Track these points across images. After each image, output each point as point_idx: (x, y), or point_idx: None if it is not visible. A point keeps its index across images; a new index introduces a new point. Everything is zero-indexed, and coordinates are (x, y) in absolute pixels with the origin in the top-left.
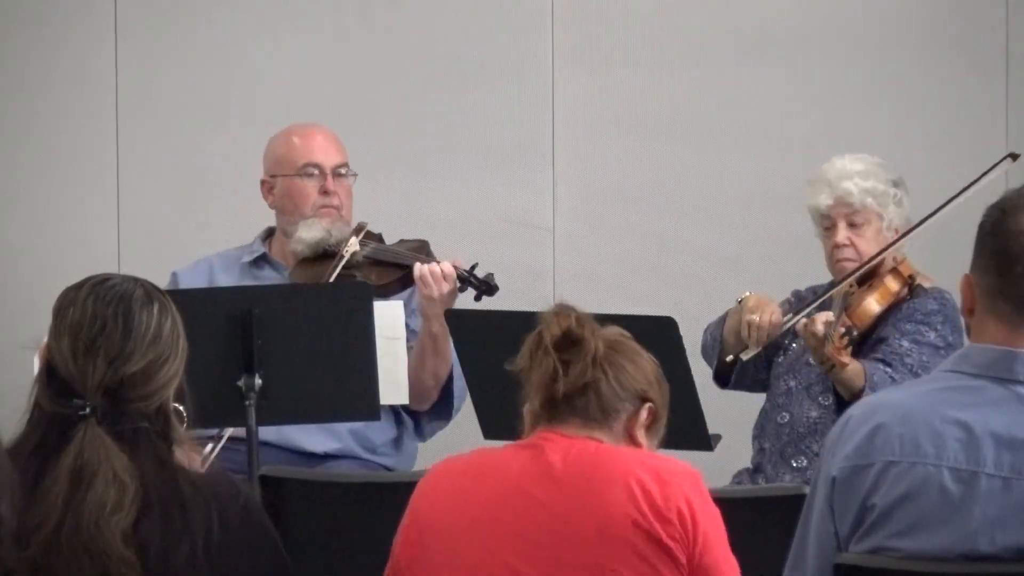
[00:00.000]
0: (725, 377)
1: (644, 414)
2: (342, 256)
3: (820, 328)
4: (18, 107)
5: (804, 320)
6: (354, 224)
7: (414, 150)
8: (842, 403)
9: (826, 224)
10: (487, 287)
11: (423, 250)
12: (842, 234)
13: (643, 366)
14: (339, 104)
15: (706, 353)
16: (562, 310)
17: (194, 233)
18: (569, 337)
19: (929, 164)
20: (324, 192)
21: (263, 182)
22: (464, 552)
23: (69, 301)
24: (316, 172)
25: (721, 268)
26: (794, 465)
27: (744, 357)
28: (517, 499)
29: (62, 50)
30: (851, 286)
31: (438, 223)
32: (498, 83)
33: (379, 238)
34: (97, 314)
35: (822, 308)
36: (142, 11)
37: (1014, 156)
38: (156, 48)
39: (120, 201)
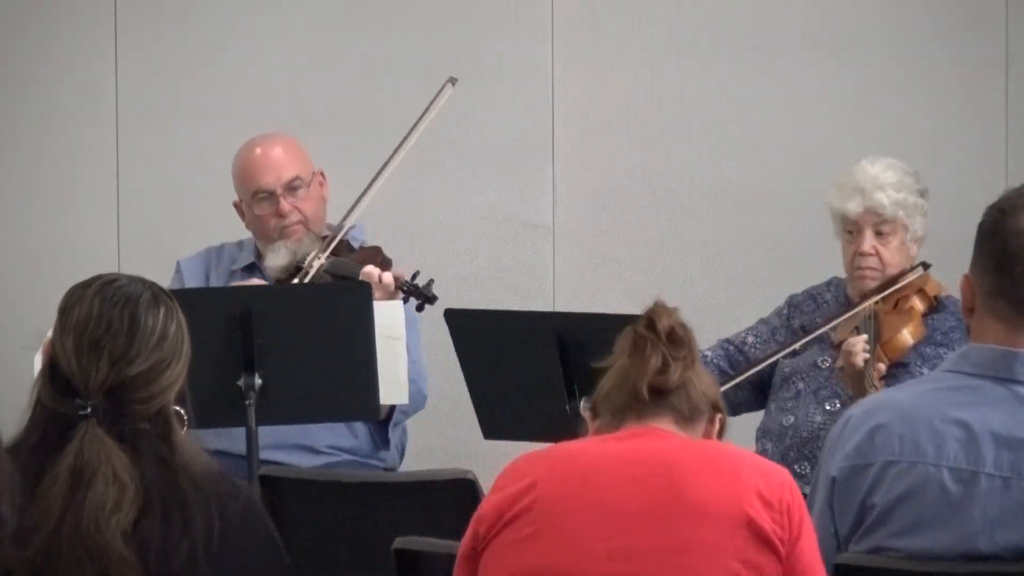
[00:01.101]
0: None
1: (717, 425)
2: (306, 272)
3: (860, 363)
4: (18, 107)
5: (845, 348)
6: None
7: (413, 150)
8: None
9: (851, 229)
10: (426, 297)
11: (376, 256)
12: (868, 243)
13: (713, 381)
14: (339, 104)
15: None
16: (665, 308)
17: (194, 233)
18: (677, 334)
19: (929, 164)
20: (280, 215)
21: (235, 206)
22: (575, 531)
23: (76, 299)
24: (267, 197)
25: (721, 268)
26: (797, 471)
27: None
28: (620, 481)
29: (62, 50)
30: (877, 303)
31: (438, 223)
32: (498, 83)
33: (348, 246)
34: (103, 314)
35: (777, 366)
36: (142, 11)
37: (926, 265)
38: (156, 48)
39: (120, 201)
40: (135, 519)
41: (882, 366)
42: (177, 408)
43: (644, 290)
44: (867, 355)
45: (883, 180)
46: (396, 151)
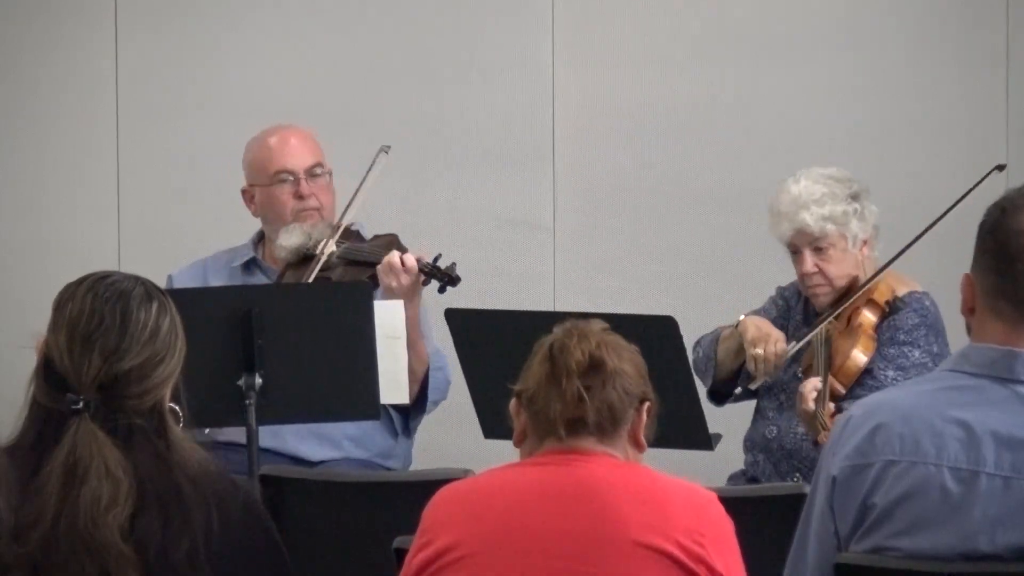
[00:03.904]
0: (721, 396)
1: (644, 416)
2: (319, 258)
3: (811, 405)
4: (18, 107)
5: (799, 392)
6: (336, 222)
7: (414, 150)
8: None
9: (792, 250)
10: (449, 279)
11: (393, 244)
12: (809, 263)
13: (635, 362)
14: (339, 103)
15: (698, 369)
16: (580, 333)
17: (194, 233)
18: (592, 362)
19: (929, 164)
20: (300, 196)
21: (244, 191)
22: (490, 570)
23: (69, 296)
24: (290, 178)
25: (721, 267)
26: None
27: (753, 387)
28: (542, 515)
29: (62, 50)
30: (829, 323)
31: (438, 223)
32: (498, 83)
33: (357, 235)
34: (95, 309)
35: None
36: (142, 11)
37: (1001, 167)
38: (156, 48)
39: (120, 201)
40: (132, 515)
41: (831, 406)
42: (172, 405)
43: (644, 289)
44: (816, 393)
45: (805, 198)
46: (343, 216)
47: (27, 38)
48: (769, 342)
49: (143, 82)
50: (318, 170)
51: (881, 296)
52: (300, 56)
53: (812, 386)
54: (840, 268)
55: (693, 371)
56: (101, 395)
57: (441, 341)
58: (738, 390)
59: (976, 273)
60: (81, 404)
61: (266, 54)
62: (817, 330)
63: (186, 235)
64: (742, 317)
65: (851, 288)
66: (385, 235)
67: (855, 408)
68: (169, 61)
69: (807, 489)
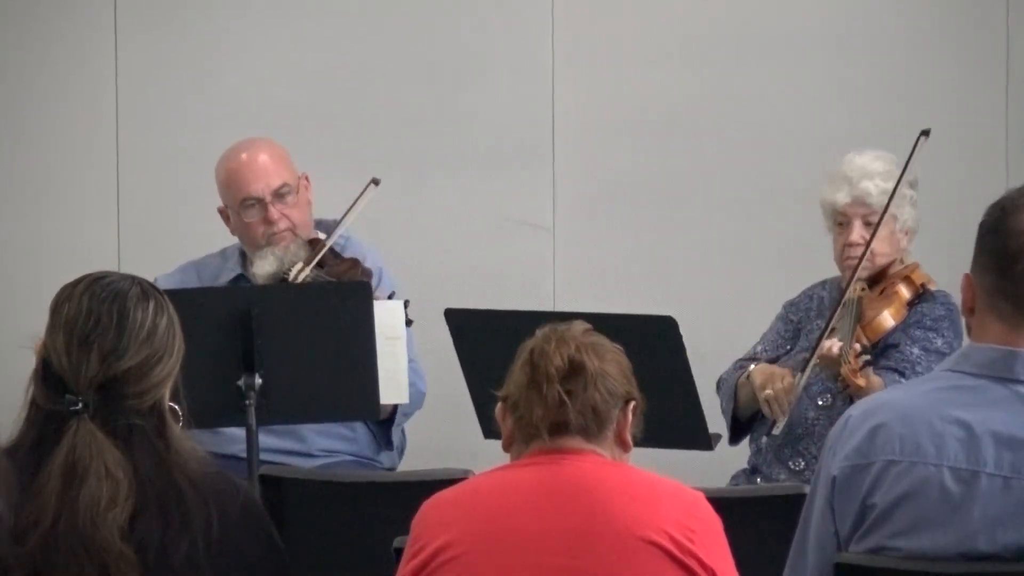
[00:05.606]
0: (738, 434)
1: (630, 415)
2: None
3: (836, 351)
4: (18, 107)
5: (820, 351)
6: (312, 235)
7: (414, 150)
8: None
9: (840, 220)
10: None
11: (354, 269)
12: (857, 233)
13: (620, 363)
14: (339, 104)
15: (723, 410)
16: (559, 337)
17: (194, 233)
18: (572, 366)
19: (928, 164)
20: (268, 222)
21: (220, 211)
22: (484, 568)
23: (65, 297)
24: (256, 204)
25: (722, 267)
26: (791, 467)
27: (776, 431)
28: (535, 513)
29: (62, 50)
30: (863, 288)
31: (438, 223)
32: (498, 83)
33: (332, 253)
34: (92, 310)
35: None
36: (142, 11)
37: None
38: (156, 48)
39: (120, 201)
40: (131, 515)
41: (857, 346)
42: (172, 404)
43: (644, 289)
44: (840, 343)
45: (871, 169)
46: (324, 244)
47: (27, 38)
48: (775, 380)
49: (143, 82)
50: (284, 189)
51: (918, 278)
52: (300, 57)
53: (834, 343)
54: (884, 246)
55: (721, 407)
56: (100, 395)
57: (441, 341)
58: (764, 439)
59: (976, 273)
60: (80, 405)
61: (266, 54)
62: (818, 347)
63: (186, 235)
64: (751, 368)
65: (884, 273)
66: (348, 259)
67: (854, 408)
68: (169, 61)
69: (807, 489)
